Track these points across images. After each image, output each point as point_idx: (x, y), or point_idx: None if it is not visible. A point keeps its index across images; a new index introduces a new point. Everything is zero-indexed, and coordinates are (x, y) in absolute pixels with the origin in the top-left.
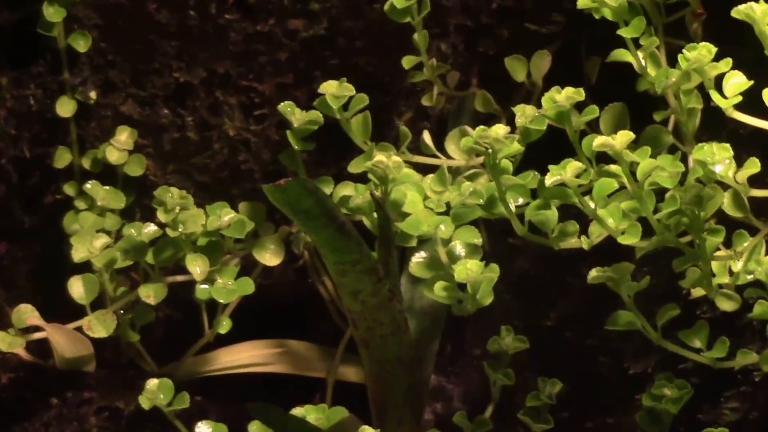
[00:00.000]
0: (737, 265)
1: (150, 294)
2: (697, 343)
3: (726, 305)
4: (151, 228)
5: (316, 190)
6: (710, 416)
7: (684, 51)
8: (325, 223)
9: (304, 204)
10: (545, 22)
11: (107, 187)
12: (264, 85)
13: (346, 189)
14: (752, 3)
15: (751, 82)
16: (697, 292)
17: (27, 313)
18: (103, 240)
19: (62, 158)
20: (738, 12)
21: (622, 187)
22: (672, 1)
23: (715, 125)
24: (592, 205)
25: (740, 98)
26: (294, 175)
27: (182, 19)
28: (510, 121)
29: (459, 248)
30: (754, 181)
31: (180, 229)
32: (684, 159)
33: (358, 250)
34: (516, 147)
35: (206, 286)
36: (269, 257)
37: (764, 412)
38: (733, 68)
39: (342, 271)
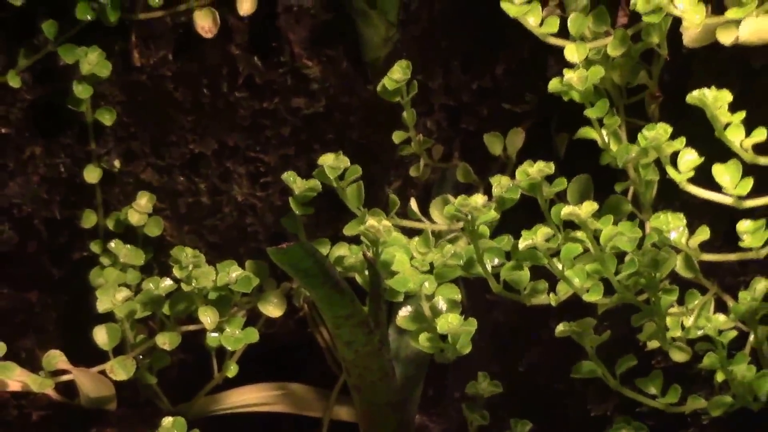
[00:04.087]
0: (689, 321)
1: (166, 341)
2: (653, 390)
3: (678, 356)
4: (167, 283)
5: (314, 252)
6: None
7: (643, 130)
8: (322, 282)
9: (304, 264)
10: (519, 102)
11: (129, 246)
12: (269, 156)
13: (342, 249)
14: (704, 90)
15: (702, 159)
16: (653, 344)
17: (56, 358)
18: (124, 293)
19: (88, 219)
20: (692, 98)
21: (587, 251)
22: (632, 85)
23: (670, 196)
24: (560, 266)
25: (693, 173)
26: (295, 237)
27: (196, 96)
28: (487, 190)
29: (441, 303)
30: (704, 246)
31: (193, 284)
32: (642, 226)
33: (351, 305)
34: (492, 214)
35: (216, 335)
36: (272, 309)
37: None
38: (686, 146)
39: (337, 324)
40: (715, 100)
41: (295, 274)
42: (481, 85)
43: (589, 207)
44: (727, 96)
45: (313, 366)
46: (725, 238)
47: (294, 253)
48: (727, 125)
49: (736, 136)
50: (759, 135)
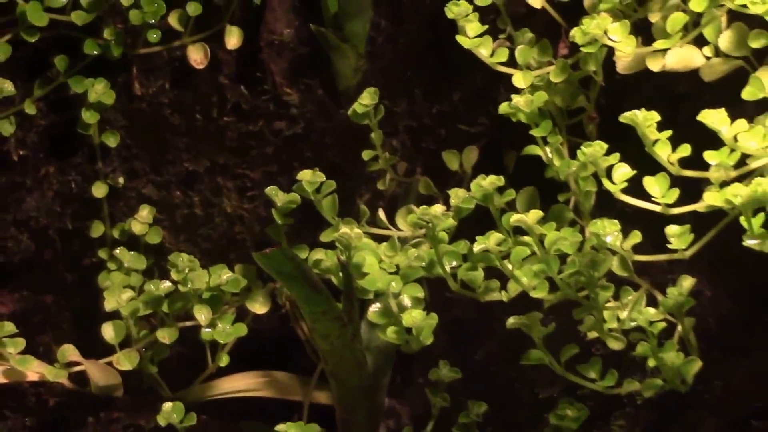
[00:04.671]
0: (623, 314)
1: (165, 336)
2: (592, 374)
3: (615, 345)
4: (166, 284)
5: (294, 257)
6: (601, 431)
7: (582, 147)
8: (301, 283)
9: (285, 268)
10: (474, 124)
11: (132, 253)
12: (254, 173)
13: (319, 254)
14: (635, 111)
15: (635, 172)
16: (592, 334)
17: (69, 351)
18: (128, 294)
19: (97, 229)
20: (625, 118)
21: (534, 253)
22: (573, 108)
23: (606, 205)
24: (510, 267)
25: (626, 184)
26: (278, 244)
27: (190, 121)
28: (446, 201)
29: (406, 300)
30: (637, 248)
31: (189, 286)
32: (582, 231)
33: (327, 303)
34: (450, 222)
35: (209, 330)
36: (258, 307)
37: (645, 428)
38: (620, 161)
39: (315, 319)
40: (644, 119)
41: (277, 275)
42: (440, 110)
43: (535, 215)
44: (655, 116)
45: (294, 356)
46: (655, 241)
47: (276, 258)
48: (656, 142)
49: (663, 152)
50: (684, 150)
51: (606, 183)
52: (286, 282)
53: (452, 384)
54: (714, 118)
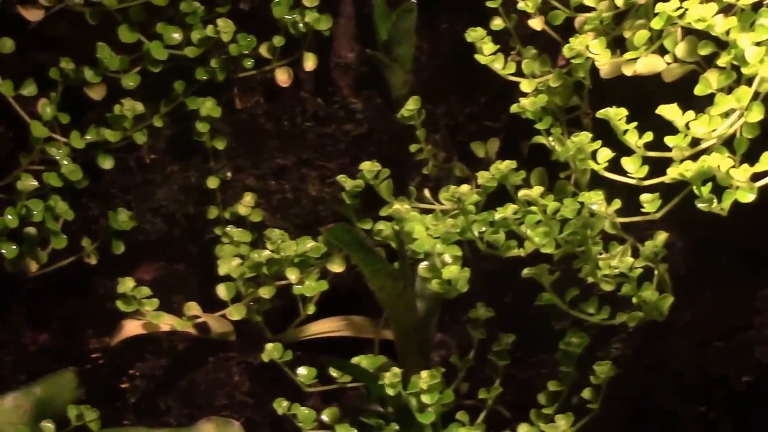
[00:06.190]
0: (613, 263)
1: (266, 292)
2: (591, 310)
3: (606, 287)
4: (266, 253)
5: (351, 229)
6: (602, 353)
7: (572, 137)
8: (358, 248)
9: (345, 238)
10: (496, 120)
11: (239, 229)
12: (331, 164)
13: (380, 225)
14: (608, 108)
15: (614, 154)
16: (590, 279)
17: (193, 307)
18: (238, 261)
19: (213, 212)
20: (600, 113)
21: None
22: (570, 106)
23: (599, 179)
24: (524, 230)
25: (607, 164)
26: (348, 219)
27: (280, 126)
28: (476, 181)
29: (447, 258)
30: (621, 211)
31: (282, 254)
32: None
33: (380, 263)
34: (476, 197)
35: (299, 286)
36: (336, 267)
37: (634, 350)
38: (603, 146)
39: (372, 276)
40: (615, 114)
41: (340, 244)
42: (470, 110)
43: (538, 190)
44: (623, 112)
45: (366, 304)
46: (636, 206)
47: (337, 231)
48: (626, 131)
49: (632, 139)
50: (647, 137)
51: (591, 163)
52: (348, 248)
53: (487, 321)
54: (669, 111)
